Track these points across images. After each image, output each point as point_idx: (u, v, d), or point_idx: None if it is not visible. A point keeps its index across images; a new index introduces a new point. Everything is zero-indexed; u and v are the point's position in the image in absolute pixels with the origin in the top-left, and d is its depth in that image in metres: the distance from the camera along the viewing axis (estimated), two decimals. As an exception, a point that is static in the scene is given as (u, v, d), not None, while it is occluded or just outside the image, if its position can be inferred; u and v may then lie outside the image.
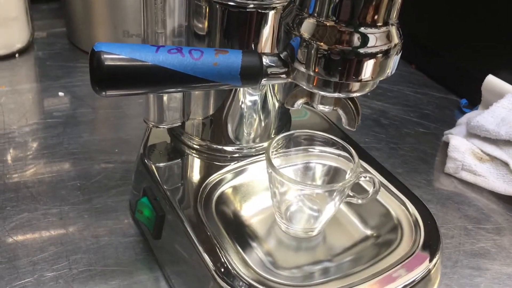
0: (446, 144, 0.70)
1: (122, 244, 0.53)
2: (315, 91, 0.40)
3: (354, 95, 0.40)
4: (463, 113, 0.78)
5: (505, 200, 0.64)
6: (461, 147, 0.66)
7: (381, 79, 0.39)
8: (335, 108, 0.43)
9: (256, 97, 0.52)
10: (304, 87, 0.40)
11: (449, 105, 0.83)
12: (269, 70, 0.40)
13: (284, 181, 0.44)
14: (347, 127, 0.43)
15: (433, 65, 0.90)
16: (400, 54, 0.39)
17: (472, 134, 0.69)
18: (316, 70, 0.38)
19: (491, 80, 0.74)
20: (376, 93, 0.82)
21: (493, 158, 0.66)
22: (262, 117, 0.53)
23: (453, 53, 0.86)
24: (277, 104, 0.54)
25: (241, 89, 0.50)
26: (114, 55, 0.36)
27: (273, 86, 0.52)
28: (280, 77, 0.41)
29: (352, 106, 0.42)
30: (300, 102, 0.44)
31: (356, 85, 0.39)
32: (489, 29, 0.79)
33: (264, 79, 0.40)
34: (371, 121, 0.76)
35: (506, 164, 0.64)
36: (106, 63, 0.36)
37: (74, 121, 0.69)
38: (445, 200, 0.63)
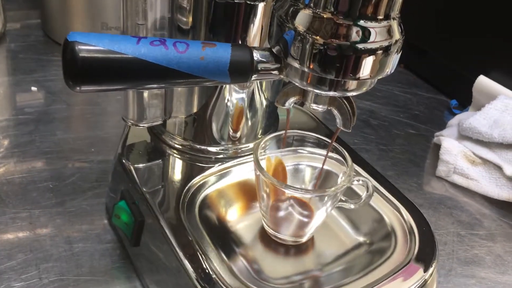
0: (437, 146, 0.68)
1: (97, 251, 0.49)
2: (309, 89, 0.37)
3: (351, 94, 0.37)
4: (453, 114, 0.76)
5: (498, 205, 0.62)
6: (453, 150, 0.64)
7: (380, 77, 0.36)
8: (329, 108, 0.40)
9: (243, 95, 0.49)
10: (297, 85, 0.37)
11: (439, 106, 0.81)
12: (260, 66, 0.37)
13: (273, 184, 0.41)
14: (342, 128, 0.40)
15: (422, 64, 0.89)
16: (401, 52, 0.37)
17: (464, 136, 0.67)
18: (311, 67, 0.35)
19: (483, 81, 0.72)
20: (365, 92, 0.79)
21: (485, 162, 0.64)
22: (248, 116, 0.50)
23: (443, 52, 0.84)
24: (264, 103, 0.51)
25: (228, 86, 0.47)
26: (90, 46, 0.32)
27: (261, 83, 0.49)
28: (272, 73, 0.38)
29: (348, 106, 0.39)
30: (292, 100, 0.41)
31: (353, 84, 0.37)
32: (480, 28, 0.77)
33: (255, 76, 0.37)
34: (360, 121, 0.74)
35: (499, 167, 0.62)
36: (81, 54, 0.32)
37: (47, 117, 0.65)
38: (437, 205, 0.61)
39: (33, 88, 0.71)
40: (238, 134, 0.51)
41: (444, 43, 0.84)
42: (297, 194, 0.45)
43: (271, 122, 0.54)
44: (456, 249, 0.55)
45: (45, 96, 0.69)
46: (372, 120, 0.74)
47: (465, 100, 0.77)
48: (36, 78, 0.72)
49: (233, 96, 0.48)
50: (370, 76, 0.35)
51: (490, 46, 0.76)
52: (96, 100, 0.70)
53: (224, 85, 0.47)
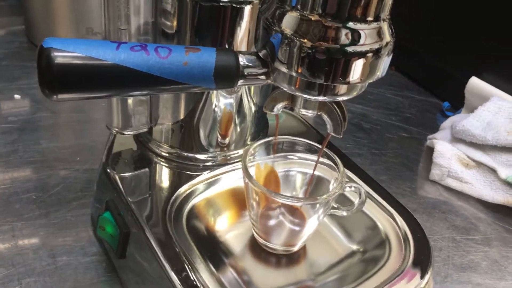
0: (430, 149, 0.67)
1: (82, 264, 0.47)
2: (298, 94, 0.36)
3: (341, 98, 0.36)
4: (446, 116, 0.75)
5: (493, 209, 0.61)
6: (446, 153, 0.63)
7: (371, 81, 0.35)
8: (319, 113, 0.39)
9: (231, 100, 0.47)
10: (286, 90, 0.36)
11: (431, 108, 0.80)
12: (247, 71, 0.36)
13: (262, 192, 0.40)
14: (332, 134, 0.39)
15: (414, 66, 0.88)
16: (391, 54, 0.35)
17: (457, 139, 0.66)
18: (299, 71, 0.33)
19: (475, 83, 0.71)
20: (356, 96, 0.78)
21: (479, 164, 0.63)
22: (237, 122, 0.49)
23: (434, 54, 0.83)
24: (253, 108, 0.49)
25: (215, 91, 0.46)
26: (67, 53, 0.31)
27: (249, 88, 0.48)
28: (259, 78, 0.36)
29: (338, 111, 0.38)
30: (280, 106, 0.39)
31: (343, 88, 0.35)
32: (472, 29, 0.76)
33: (241, 81, 0.36)
34: (352, 125, 0.73)
35: (493, 170, 0.61)
36: (56, 61, 0.31)
37: (31, 126, 0.64)
38: (431, 209, 0.60)
39: (17, 96, 0.69)
40: (226, 141, 0.50)
41: (435, 44, 0.83)
42: (288, 202, 0.43)
43: (261, 127, 0.53)
44: (451, 255, 0.54)
45: (29, 104, 0.68)
46: (364, 124, 0.73)
47: (457, 102, 0.76)
48: (20, 85, 0.71)
49: (221, 101, 0.47)
50: (361, 80, 0.34)
51: (482, 47, 0.76)
52: (82, 108, 0.68)
53: (211, 91, 0.45)
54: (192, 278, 0.39)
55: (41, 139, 0.62)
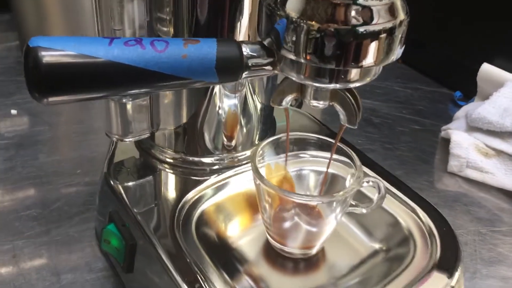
0: (445, 140, 0.64)
1: (88, 281, 0.45)
2: (308, 83, 0.33)
3: (354, 85, 0.33)
4: (458, 106, 0.73)
5: (517, 198, 0.58)
6: (463, 143, 0.60)
7: (386, 63, 0.32)
8: (331, 103, 0.36)
9: (235, 100, 0.45)
10: (294, 79, 0.33)
11: (442, 99, 0.77)
12: (251, 62, 0.33)
13: (275, 192, 0.37)
14: (347, 125, 0.36)
15: (421, 58, 0.85)
16: (405, 34, 0.33)
17: (473, 127, 0.63)
18: (308, 57, 0.31)
19: (487, 69, 0.69)
20: (364, 90, 0.76)
21: (499, 153, 0.60)
22: (243, 122, 0.47)
23: (442, 43, 0.81)
24: (259, 106, 0.47)
25: (218, 91, 0.44)
26: (55, 51, 0.29)
27: (253, 86, 0.45)
28: (265, 69, 0.34)
29: (352, 100, 0.35)
30: (289, 98, 0.37)
31: (355, 73, 0.33)
32: (479, 15, 0.74)
33: (246, 73, 0.33)
34: (362, 121, 0.70)
35: (514, 158, 0.58)
36: (44, 60, 0.28)
37: (29, 141, 0.61)
38: (452, 202, 0.57)
39: (13, 111, 0.67)
40: (233, 142, 0.47)
41: (441, 33, 0.80)
42: (303, 201, 0.41)
43: (268, 127, 0.50)
44: (478, 249, 0.51)
45: (26, 119, 0.65)
46: (374, 119, 0.70)
47: (469, 90, 0.73)
48: (16, 100, 0.69)
49: (225, 101, 0.45)
50: (375, 63, 0.31)
51: (491, 33, 0.73)
52: (81, 119, 0.66)
53: (214, 90, 0.43)
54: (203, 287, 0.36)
55: (39, 154, 0.59)
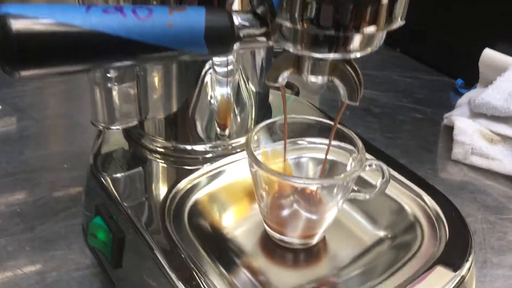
0: (448, 128, 0.62)
1: (74, 279, 0.42)
2: (305, 53, 0.31)
3: (354, 55, 0.31)
4: (460, 94, 0.70)
5: (525, 184, 0.55)
6: (468, 129, 0.58)
7: (390, 29, 0.30)
8: (330, 78, 0.33)
9: (228, 83, 0.43)
10: (291, 50, 0.31)
11: (443, 87, 0.75)
12: (243, 32, 0.31)
13: (273, 177, 0.35)
14: (348, 102, 0.34)
15: (420, 47, 0.83)
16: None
17: (477, 114, 0.61)
18: (305, 25, 0.28)
19: (489, 54, 0.66)
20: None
21: (505, 138, 0.58)
22: (236, 107, 0.45)
23: (440, 31, 0.79)
24: (253, 89, 0.45)
25: (209, 74, 0.41)
26: (27, 19, 0.26)
27: (246, 69, 0.42)
28: (258, 40, 0.31)
29: (353, 73, 0.32)
30: (285, 75, 0.34)
31: (356, 41, 0.30)
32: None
33: (237, 44, 0.31)
34: (361, 110, 0.68)
35: (521, 143, 0.56)
36: (14, 29, 0.26)
37: (14, 136, 0.59)
38: (458, 191, 0.54)
39: (-2, 106, 0.64)
40: (226, 129, 0.45)
41: (439, 20, 0.78)
42: (302, 185, 0.38)
43: (263, 112, 0.48)
44: (487, 237, 0.48)
45: (11, 114, 0.63)
46: (374, 108, 0.68)
47: (471, 78, 0.71)
48: (1, 95, 0.66)
49: (217, 85, 0.42)
50: (377, 29, 0.29)
51: (491, 16, 0.71)
52: (69, 113, 0.63)
53: (205, 74, 0.41)
54: (201, 284, 0.34)
55: (25, 149, 0.57)
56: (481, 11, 0.72)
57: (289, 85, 0.65)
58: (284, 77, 0.34)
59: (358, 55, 0.31)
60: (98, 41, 0.27)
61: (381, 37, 0.31)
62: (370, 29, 0.29)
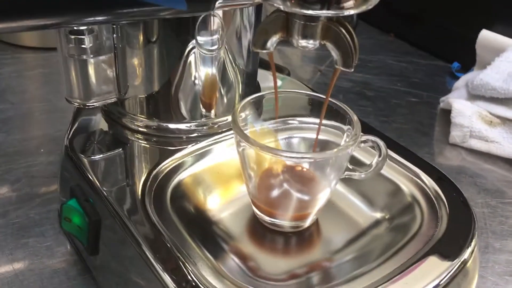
0: (445, 111, 0.60)
1: (48, 267, 0.40)
2: (295, 10, 0.28)
3: (348, 12, 0.28)
4: (456, 78, 0.68)
5: (526, 168, 0.53)
6: (466, 111, 0.56)
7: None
8: (323, 42, 0.31)
9: (213, 58, 0.40)
10: (280, 7, 0.28)
11: (439, 72, 0.72)
12: (226, -13, 0.28)
13: (263, 153, 0.32)
14: (342, 68, 0.31)
15: (414, 31, 0.80)
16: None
17: (475, 96, 0.58)
18: (294, -24, 0.26)
19: (487, 36, 0.64)
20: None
21: (504, 120, 0.55)
22: (222, 84, 0.42)
23: (434, 14, 0.76)
24: (240, 65, 0.42)
25: (194, 48, 0.38)
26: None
27: (231, 44, 0.39)
28: (243, -4, 0.28)
29: (347, 36, 0.30)
30: (274, 39, 0.32)
31: (351, -3, 0.27)
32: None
33: (219, 1, 0.28)
34: (354, 94, 0.65)
35: (521, 125, 0.53)
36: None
37: (-13, 120, 0.55)
38: (457, 175, 0.52)
39: (-27, 90, 0.61)
40: (212, 107, 0.42)
41: (434, 3, 0.76)
42: (294, 160, 0.35)
43: (252, 90, 0.45)
44: (489, 222, 0.46)
45: (-15, 97, 0.59)
46: (367, 92, 0.65)
47: (467, 61, 0.68)
48: (-26, 79, 0.62)
49: (202, 59, 0.39)
50: (374, -19, 0.26)
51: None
52: (46, 97, 0.60)
53: (188, 46, 0.38)
54: (185, 271, 0.31)
55: (-1, 133, 0.53)
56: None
57: (279, 68, 0.63)
58: (273, 42, 0.32)
59: (352, 12, 0.28)
60: (63, -8, 0.24)
61: (377, -6, 0.29)
62: (366, -19, 0.26)
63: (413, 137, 0.57)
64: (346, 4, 0.27)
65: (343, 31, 0.30)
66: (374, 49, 0.76)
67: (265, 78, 0.49)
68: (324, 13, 0.27)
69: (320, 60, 0.73)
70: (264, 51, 0.32)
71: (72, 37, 0.36)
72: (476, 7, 0.70)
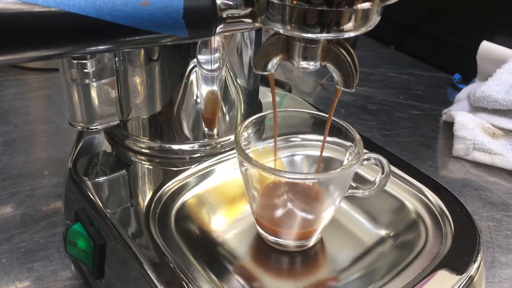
0: (448, 124, 0.60)
1: (54, 292, 0.39)
2: (295, 34, 0.28)
3: (348, 35, 0.28)
4: (458, 89, 0.68)
5: (530, 180, 0.53)
6: (469, 124, 0.55)
7: (387, 3, 0.27)
8: (323, 63, 0.31)
9: (214, 79, 0.40)
10: (280, 31, 0.28)
11: (441, 83, 0.72)
12: (226, 13, 0.28)
13: (264, 174, 0.32)
14: (343, 89, 0.31)
15: (414, 42, 0.80)
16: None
17: (477, 108, 0.58)
18: (294, 1, 0.26)
19: (487, 47, 0.64)
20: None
21: (507, 132, 0.55)
22: (224, 104, 0.42)
23: (435, 26, 0.76)
24: (241, 85, 0.42)
25: (194, 69, 0.38)
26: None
27: (232, 63, 0.40)
28: (243, 21, 0.29)
29: (347, 57, 0.30)
30: (275, 61, 0.32)
31: (351, 20, 0.28)
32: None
33: (220, 26, 0.28)
34: (356, 108, 0.65)
35: (524, 136, 0.53)
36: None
37: (-9, 142, 0.56)
38: (461, 188, 0.52)
39: (-26, 111, 0.61)
40: (214, 127, 0.42)
41: (433, 14, 0.76)
42: (297, 180, 0.35)
43: (253, 109, 0.45)
44: (494, 236, 0.46)
45: (-12, 119, 0.60)
46: (370, 105, 0.65)
47: (468, 72, 0.69)
48: (-23, 100, 0.63)
49: (203, 80, 0.39)
50: (372, 3, 0.26)
51: (486, 8, 0.69)
52: (49, 119, 0.60)
53: (190, 69, 0.38)
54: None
55: (2, 155, 0.53)
56: (475, 2, 0.70)
57: (281, 84, 0.63)
58: (274, 64, 0.32)
59: (352, 34, 0.28)
60: (63, 22, 0.24)
61: (377, 14, 0.29)
62: (364, 4, 0.26)
63: (416, 151, 0.57)
64: (346, 27, 0.28)
65: (343, 52, 0.30)
66: (375, 62, 0.76)
67: (266, 95, 0.49)
68: (324, 36, 0.28)
69: (321, 74, 0.73)
70: (265, 73, 0.32)
71: (75, 62, 0.37)
72: (476, 18, 0.70)
